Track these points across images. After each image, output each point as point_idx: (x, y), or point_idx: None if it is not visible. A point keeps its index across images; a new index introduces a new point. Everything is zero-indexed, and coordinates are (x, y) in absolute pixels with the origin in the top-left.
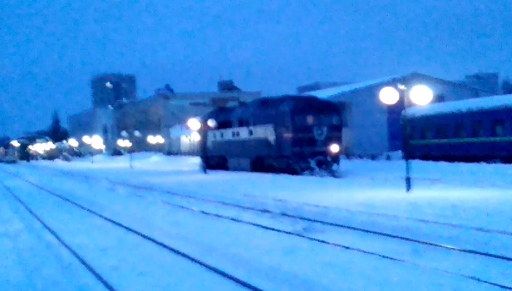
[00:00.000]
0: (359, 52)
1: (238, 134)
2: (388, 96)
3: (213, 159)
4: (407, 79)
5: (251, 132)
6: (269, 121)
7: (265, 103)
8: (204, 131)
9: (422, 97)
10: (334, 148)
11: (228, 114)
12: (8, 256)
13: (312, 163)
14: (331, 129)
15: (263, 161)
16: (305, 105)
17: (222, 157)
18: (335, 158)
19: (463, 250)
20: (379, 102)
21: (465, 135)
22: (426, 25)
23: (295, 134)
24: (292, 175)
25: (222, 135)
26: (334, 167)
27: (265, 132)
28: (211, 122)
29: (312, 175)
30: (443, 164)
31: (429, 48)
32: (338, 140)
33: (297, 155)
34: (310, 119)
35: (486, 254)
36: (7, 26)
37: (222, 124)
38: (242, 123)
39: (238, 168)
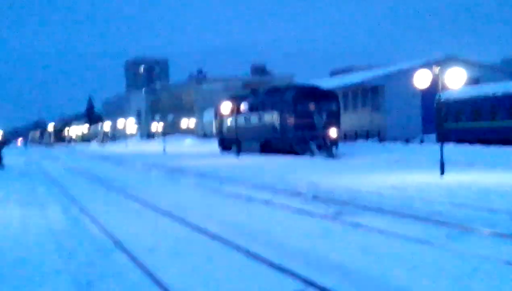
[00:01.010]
0: (394, 35)
1: (249, 119)
2: (422, 79)
3: (229, 141)
4: (442, 62)
5: (260, 118)
6: (275, 108)
7: (272, 91)
8: (220, 116)
9: (456, 80)
10: (333, 132)
11: (241, 101)
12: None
13: (312, 146)
14: (329, 115)
15: (270, 143)
16: (306, 94)
17: (237, 140)
18: (334, 141)
19: (498, 235)
20: (413, 86)
21: (501, 118)
22: (462, 7)
23: (297, 120)
24: (294, 155)
25: (236, 120)
26: (333, 149)
27: (272, 118)
28: (243, 106)
29: (312, 156)
30: (477, 148)
31: (465, 31)
32: (336, 125)
33: (299, 138)
34: (310, 106)
35: None
36: (42, 11)
37: (237, 111)
38: (253, 109)
39: (249, 150)
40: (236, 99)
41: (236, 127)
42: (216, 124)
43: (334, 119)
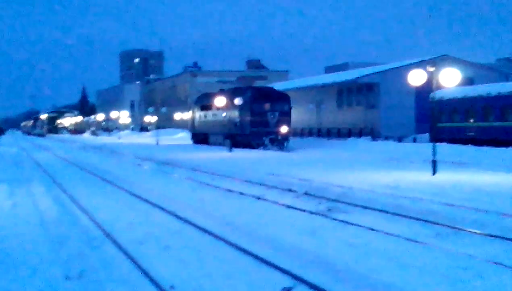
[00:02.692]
0: (389, 34)
1: (216, 116)
2: (416, 78)
3: (199, 135)
4: (437, 61)
5: (224, 115)
6: (236, 106)
7: (235, 92)
8: (193, 112)
9: (450, 80)
10: (284, 129)
11: (210, 99)
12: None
13: (266, 141)
14: (281, 114)
15: (232, 138)
16: (262, 95)
17: (205, 133)
18: (285, 137)
19: (487, 235)
20: (407, 84)
21: (494, 119)
22: (458, 7)
23: (253, 117)
24: (250, 149)
25: (205, 116)
26: (284, 144)
27: (234, 115)
28: (242, 100)
29: (265, 150)
30: (470, 148)
31: (460, 31)
32: (287, 123)
33: (254, 133)
34: (265, 106)
35: (510, 239)
36: (35, 1)
37: (206, 107)
38: (219, 108)
39: (216, 143)
40: (206, 98)
41: (193, 121)
42: (190, 120)
43: (286, 117)
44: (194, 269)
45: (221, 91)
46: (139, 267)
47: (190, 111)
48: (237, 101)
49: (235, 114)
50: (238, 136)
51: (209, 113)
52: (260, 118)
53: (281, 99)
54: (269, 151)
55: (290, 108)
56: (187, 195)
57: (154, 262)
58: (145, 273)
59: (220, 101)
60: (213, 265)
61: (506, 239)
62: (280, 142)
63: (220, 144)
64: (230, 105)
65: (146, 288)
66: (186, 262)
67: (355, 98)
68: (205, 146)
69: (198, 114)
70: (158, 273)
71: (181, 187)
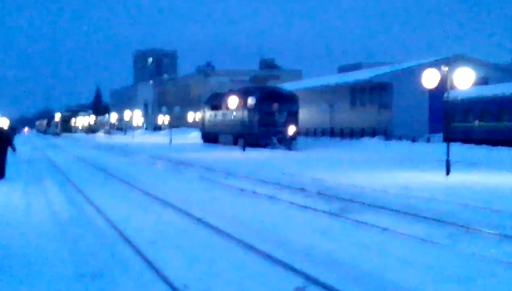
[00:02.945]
0: (403, 33)
1: (225, 115)
2: (430, 78)
3: (209, 134)
4: (450, 61)
5: (233, 115)
6: (245, 107)
7: (244, 92)
8: (204, 112)
9: (465, 80)
10: (291, 129)
11: (220, 99)
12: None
13: (274, 140)
14: (289, 114)
15: (241, 137)
16: (270, 96)
17: (215, 133)
18: (293, 136)
19: (501, 235)
20: (421, 84)
21: (508, 119)
22: (472, 6)
23: (261, 117)
24: (259, 148)
25: (215, 116)
26: (292, 143)
27: (243, 115)
28: (250, 100)
29: (273, 149)
30: (484, 148)
31: (474, 30)
32: (295, 123)
33: (263, 133)
34: (273, 106)
35: None
36: (51, 1)
37: (216, 107)
38: (228, 107)
39: (225, 142)
40: (216, 98)
41: (203, 121)
42: (200, 119)
43: (293, 117)
44: (206, 268)
45: (231, 92)
46: (152, 266)
47: (201, 111)
48: (246, 101)
49: (244, 114)
50: (247, 135)
51: (219, 113)
52: (268, 118)
53: (289, 100)
54: (278, 150)
55: (298, 108)
56: (200, 194)
57: (167, 261)
58: (158, 272)
59: (229, 101)
60: (225, 265)
61: None
62: (288, 142)
63: (229, 143)
64: (239, 105)
65: (160, 287)
66: (199, 261)
67: (368, 98)
68: (216, 145)
69: (208, 114)
70: (171, 272)
71: (194, 186)
